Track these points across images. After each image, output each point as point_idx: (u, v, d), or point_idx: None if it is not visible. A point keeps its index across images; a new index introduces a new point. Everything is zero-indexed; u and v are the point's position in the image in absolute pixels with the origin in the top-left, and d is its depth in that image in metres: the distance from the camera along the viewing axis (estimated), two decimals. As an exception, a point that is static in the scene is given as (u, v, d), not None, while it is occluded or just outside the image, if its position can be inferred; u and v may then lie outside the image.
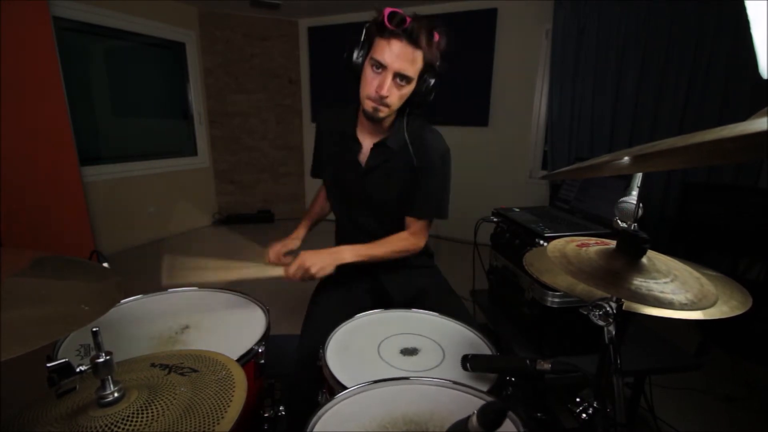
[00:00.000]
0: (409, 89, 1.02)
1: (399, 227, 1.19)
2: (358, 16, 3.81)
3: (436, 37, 0.98)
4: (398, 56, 0.95)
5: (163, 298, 1.06)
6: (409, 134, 1.11)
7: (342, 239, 1.27)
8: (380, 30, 0.96)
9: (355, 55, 1.01)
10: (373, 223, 1.21)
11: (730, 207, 2.20)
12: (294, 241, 1.23)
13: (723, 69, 2.54)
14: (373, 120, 1.06)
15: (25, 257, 0.68)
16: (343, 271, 1.27)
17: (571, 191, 1.56)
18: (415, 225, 1.17)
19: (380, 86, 0.98)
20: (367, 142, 1.15)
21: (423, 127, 1.15)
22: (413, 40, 0.94)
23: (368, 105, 1.03)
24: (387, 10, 0.94)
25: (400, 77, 0.98)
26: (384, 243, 1.14)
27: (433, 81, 1.03)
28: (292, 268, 1.02)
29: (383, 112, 1.03)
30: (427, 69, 1.02)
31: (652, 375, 1.28)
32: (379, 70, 0.98)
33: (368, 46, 1.01)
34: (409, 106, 1.09)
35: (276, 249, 1.17)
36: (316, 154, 1.29)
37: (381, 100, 1.00)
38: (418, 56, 0.97)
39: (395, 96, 1.01)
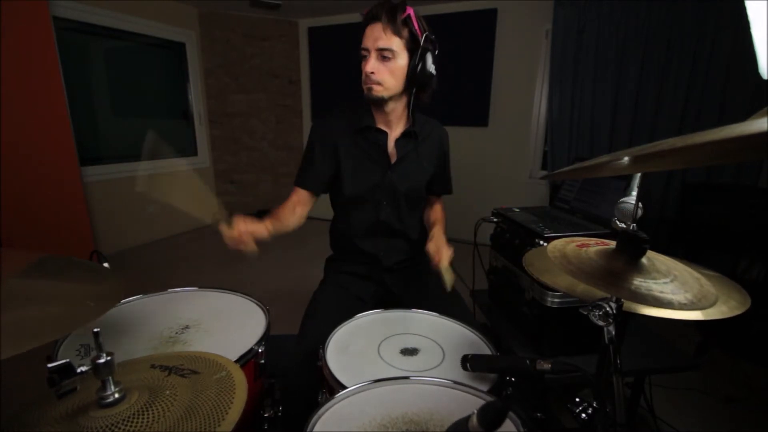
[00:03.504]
0: (398, 63, 1.05)
1: (414, 216, 1.27)
2: (358, 16, 3.81)
3: (408, 10, 1.04)
4: (374, 37, 1.04)
5: (163, 298, 1.06)
6: (420, 119, 1.19)
7: (350, 238, 1.24)
8: (362, 27, 1.07)
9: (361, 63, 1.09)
10: (393, 216, 1.22)
11: (730, 207, 2.20)
12: (263, 230, 1.11)
13: (723, 69, 2.54)
14: (374, 101, 1.11)
15: (25, 257, 0.68)
16: (347, 271, 1.27)
17: (571, 191, 1.56)
18: (437, 201, 1.35)
19: (366, 66, 1.06)
20: (390, 134, 1.18)
21: (421, 115, 1.22)
22: (380, 18, 1.03)
23: (365, 89, 1.09)
24: (365, 11, 1.07)
25: (382, 52, 1.04)
26: (442, 219, 1.30)
27: (423, 52, 1.06)
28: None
29: (377, 90, 1.07)
30: (412, 42, 1.05)
31: (652, 375, 1.28)
32: (366, 56, 1.06)
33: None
34: (414, 86, 1.10)
35: (246, 229, 1.09)
36: (306, 164, 1.21)
37: (370, 77, 1.06)
38: (392, 30, 1.04)
39: (384, 72, 1.06)
